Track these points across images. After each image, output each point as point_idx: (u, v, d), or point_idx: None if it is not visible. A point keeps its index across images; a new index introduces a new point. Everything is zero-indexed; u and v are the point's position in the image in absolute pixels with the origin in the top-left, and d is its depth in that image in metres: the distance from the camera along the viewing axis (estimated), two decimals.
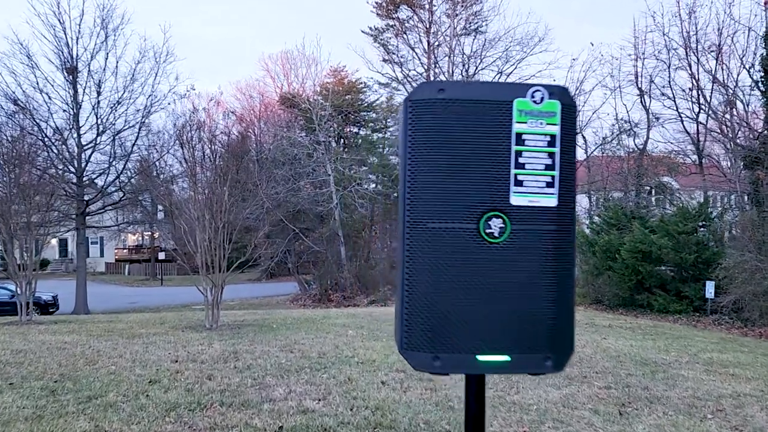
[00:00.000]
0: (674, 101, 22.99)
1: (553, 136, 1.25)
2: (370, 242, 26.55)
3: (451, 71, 23.54)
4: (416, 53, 24.25)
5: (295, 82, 29.90)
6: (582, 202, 22.82)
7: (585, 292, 19.56)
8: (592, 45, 50.56)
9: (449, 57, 23.71)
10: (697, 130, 22.72)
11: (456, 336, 1.22)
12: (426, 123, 1.23)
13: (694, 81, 21.65)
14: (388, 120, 27.65)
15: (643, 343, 10.27)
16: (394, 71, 25.19)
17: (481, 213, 1.23)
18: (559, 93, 1.26)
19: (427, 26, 23.58)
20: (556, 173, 1.25)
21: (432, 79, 23.56)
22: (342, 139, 29.21)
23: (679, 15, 22.03)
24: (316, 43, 64.34)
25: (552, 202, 1.25)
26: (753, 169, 16.53)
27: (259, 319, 13.41)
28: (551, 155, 1.25)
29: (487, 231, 1.23)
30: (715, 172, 21.78)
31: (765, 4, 16.42)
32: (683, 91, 22.50)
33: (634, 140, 24.37)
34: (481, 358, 1.23)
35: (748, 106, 20.09)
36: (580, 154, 21.72)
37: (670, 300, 17.77)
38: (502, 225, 1.23)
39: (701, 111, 22.19)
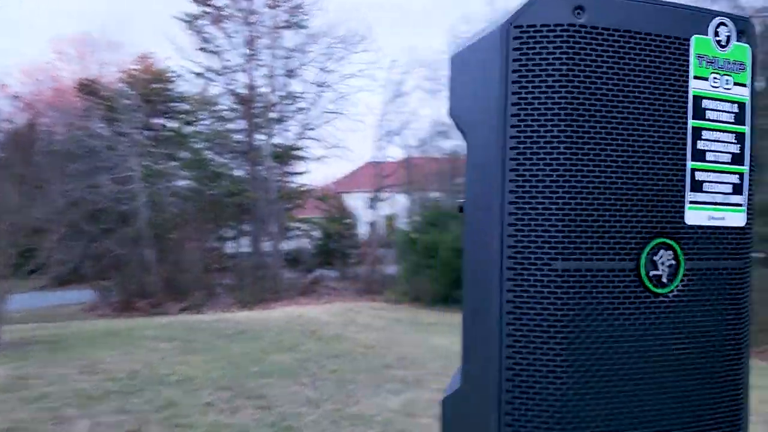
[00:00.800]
0: None
1: (741, 106, 0.72)
2: (182, 243, 24.74)
3: (272, 65, 22.69)
4: (235, 43, 23.02)
5: (95, 68, 26.89)
6: (402, 201, 23.24)
7: (405, 290, 20.10)
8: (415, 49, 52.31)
9: (271, 49, 22.79)
10: None
11: None
12: (552, 73, 0.64)
13: None
14: (201, 113, 25.99)
15: None
16: (209, 61, 23.72)
17: (642, 241, 0.66)
18: (748, 31, 0.73)
19: (246, 16, 22.45)
20: (745, 170, 0.73)
21: (252, 72, 22.46)
22: (150, 132, 26.88)
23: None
24: (121, 27, 58.63)
25: (739, 219, 0.72)
26: None
27: (50, 334, 11.91)
28: (739, 138, 0.72)
29: (652, 273, 0.67)
30: None
31: None
32: None
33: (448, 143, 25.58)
34: None
35: None
36: (399, 154, 21.88)
37: None
38: (673, 262, 0.68)
39: None
